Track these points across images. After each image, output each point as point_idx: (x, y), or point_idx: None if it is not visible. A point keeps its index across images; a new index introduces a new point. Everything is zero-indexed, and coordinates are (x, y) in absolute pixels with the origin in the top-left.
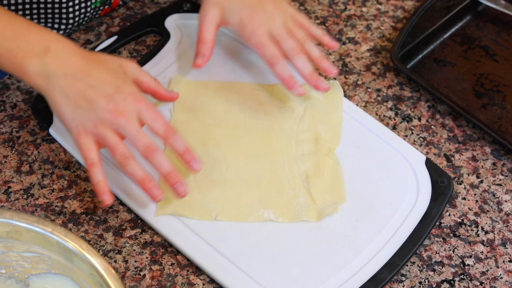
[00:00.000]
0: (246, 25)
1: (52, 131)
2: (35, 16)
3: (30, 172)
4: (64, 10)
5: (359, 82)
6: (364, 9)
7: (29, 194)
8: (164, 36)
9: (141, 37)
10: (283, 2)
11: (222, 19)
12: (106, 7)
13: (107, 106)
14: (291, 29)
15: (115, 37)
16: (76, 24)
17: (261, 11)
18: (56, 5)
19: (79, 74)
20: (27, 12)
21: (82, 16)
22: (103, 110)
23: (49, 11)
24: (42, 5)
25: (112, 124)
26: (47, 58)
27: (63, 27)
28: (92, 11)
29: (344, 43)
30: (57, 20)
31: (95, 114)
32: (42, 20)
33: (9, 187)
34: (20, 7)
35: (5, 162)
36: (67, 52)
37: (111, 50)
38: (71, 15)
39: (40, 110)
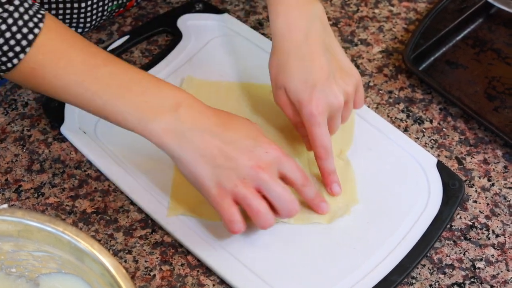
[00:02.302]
0: (304, 107)
1: (63, 130)
2: None
3: (41, 171)
4: (82, 15)
5: (371, 84)
6: (377, 10)
7: (39, 193)
8: (176, 36)
9: (153, 36)
10: (351, 75)
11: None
12: (121, 9)
13: (249, 163)
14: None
15: (127, 37)
16: (92, 27)
17: (322, 92)
18: (75, 10)
19: (215, 130)
20: None
21: (98, 19)
22: (245, 167)
23: (68, 16)
24: (60, 11)
25: (255, 181)
26: (180, 114)
27: (79, 30)
28: (108, 14)
29: (356, 45)
30: (74, 24)
31: (236, 172)
32: None
33: (20, 185)
34: None
35: (16, 160)
36: (198, 108)
37: (123, 49)
38: (88, 19)
39: (51, 109)
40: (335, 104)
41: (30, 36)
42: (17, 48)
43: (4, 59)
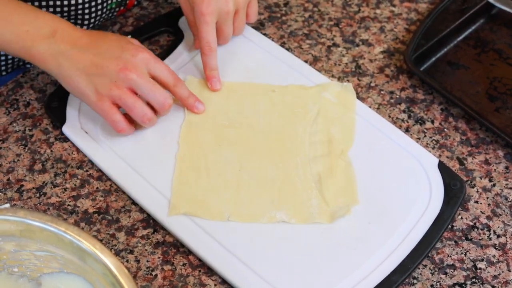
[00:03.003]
0: (196, 6)
1: (65, 130)
2: None
3: (42, 170)
4: (80, 12)
5: (372, 84)
6: (378, 11)
7: (41, 193)
8: (177, 36)
9: (155, 37)
10: None
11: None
12: (122, 8)
13: (117, 67)
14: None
15: (128, 37)
16: (91, 25)
17: None
18: (72, 8)
19: (86, 47)
20: None
21: (98, 18)
22: (114, 71)
23: (65, 14)
24: (58, 8)
25: (125, 82)
26: (56, 39)
27: (78, 28)
28: (108, 12)
29: (357, 45)
30: (72, 21)
31: (108, 77)
32: None
33: (22, 185)
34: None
35: (18, 160)
36: (73, 32)
37: None
38: (86, 17)
39: (53, 108)
40: (224, 9)
41: None
42: None
43: None
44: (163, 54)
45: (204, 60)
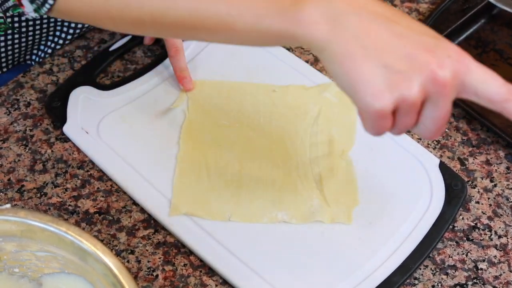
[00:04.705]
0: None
1: (66, 130)
2: None
3: (43, 171)
4: None
5: None
6: None
7: (42, 193)
8: None
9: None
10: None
11: None
12: None
13: (431, 66)
14: None
15: (129, 37)
16: (89, 25)
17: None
18: None
19: (378, 17)
20: None
21: None
22: (427, 71)
23: None
24: None
25: (428, 91)
26: None
27: (80, 25)
28: None
29: None
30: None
31: (411, 76)
32: (59, 20)
33: (23, 185)
34: None
35: (19, 160)
36: None
37: (125, 49)
38: None
39: (54, 108)
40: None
41: None
42: None
43: None
44: (164, 54)
45: (172, 62)
